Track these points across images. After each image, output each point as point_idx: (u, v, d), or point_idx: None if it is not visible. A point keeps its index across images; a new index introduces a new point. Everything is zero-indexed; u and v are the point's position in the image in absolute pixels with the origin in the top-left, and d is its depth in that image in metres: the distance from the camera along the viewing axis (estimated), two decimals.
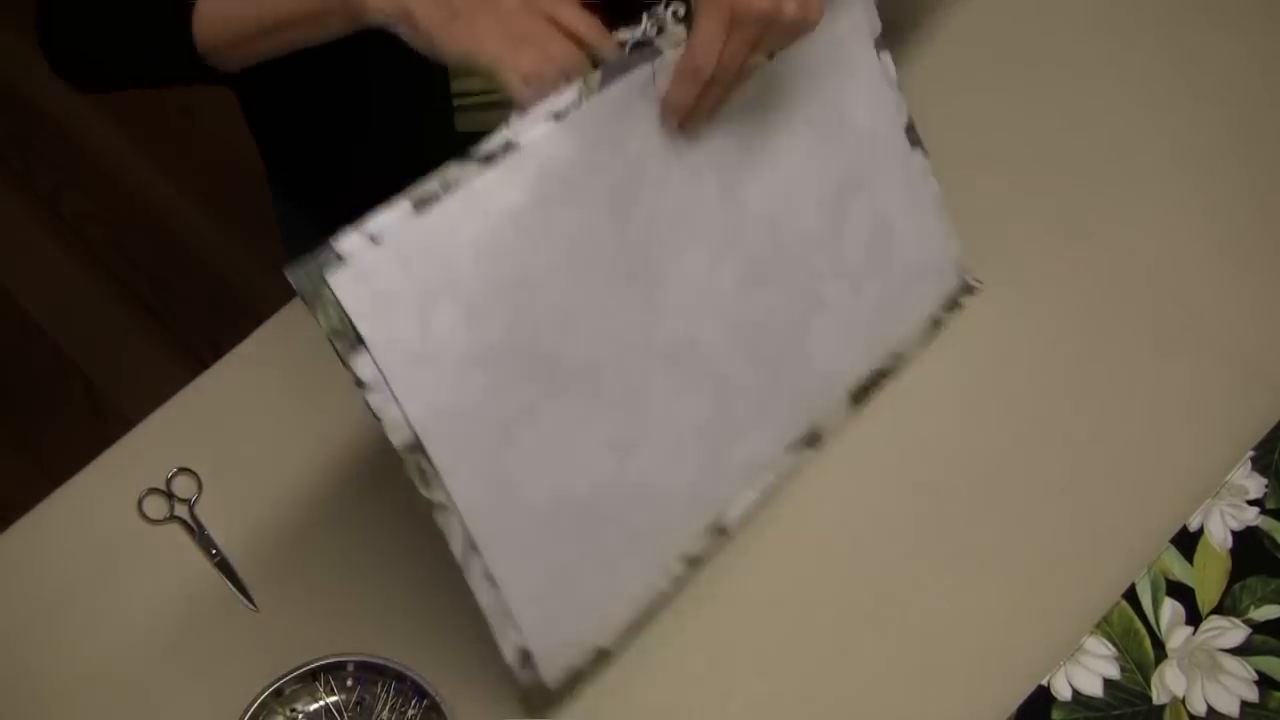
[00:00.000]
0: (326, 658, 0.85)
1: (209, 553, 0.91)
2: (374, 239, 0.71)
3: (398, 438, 0.74)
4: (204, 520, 0.93)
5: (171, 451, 0.95)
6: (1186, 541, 0.92)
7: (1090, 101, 1.13)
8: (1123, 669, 0.88)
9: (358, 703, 0.86)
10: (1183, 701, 0.87)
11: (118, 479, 0.94)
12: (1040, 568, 0.92)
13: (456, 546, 0.78)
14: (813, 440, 0.94)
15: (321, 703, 0.86)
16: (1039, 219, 1.06)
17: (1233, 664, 0.88)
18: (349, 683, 0.87)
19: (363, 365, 0.72)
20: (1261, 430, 0.96)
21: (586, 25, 0.77)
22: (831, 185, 0.91)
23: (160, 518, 0.92)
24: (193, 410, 0.97)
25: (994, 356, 1.00)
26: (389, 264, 0.72)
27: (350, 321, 0.71)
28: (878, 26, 0.93)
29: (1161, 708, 0.87)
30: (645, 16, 0.81)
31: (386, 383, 0.72)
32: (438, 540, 0.93)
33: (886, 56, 0.93)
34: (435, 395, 0.75)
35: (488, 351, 0.76)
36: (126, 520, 0.92)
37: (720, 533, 0.90)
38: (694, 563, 0.90)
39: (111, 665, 0.88)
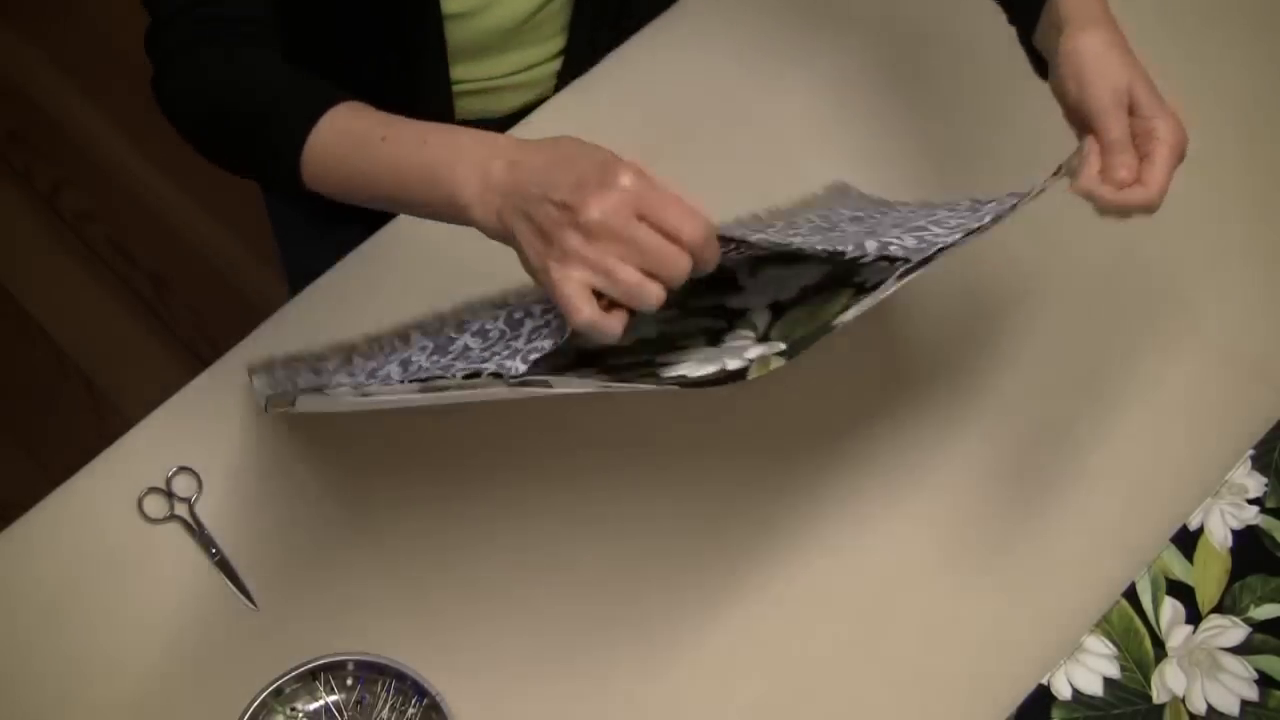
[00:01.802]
0: (326, 657, 0.85)
1: (209, 552, 0.91)
2: (365, 395, 0.74)
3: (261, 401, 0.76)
4: (204, 520, 0.93)
5: (171, 451, 0.95)
6: (1186, 540, 0.92)
7: None
8: (1123, 668, 0.88)
9: (358, 702, 0.86)
10: (1183, 700, 0.87)
11: (118, 479, 0.94)
12: (1040, 568, 0.92)
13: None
14: None
15: (321, 702, 0.86)
16: (1039, 218, 1.06)
17: (1232, 663, 0.88)
18: (349, 682, 0.87)
19: (260, 383, 0.77)
20: (1261, 429, 0.96)
21: (691, 227, 0.67)
22: None
23: (160, 517, 0.92)
24: (193, 410, 0.97)
25: (994, 356, 1.00)
26: (354, 398, 0.75)
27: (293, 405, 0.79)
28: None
29: (1161, 707, 0.87)
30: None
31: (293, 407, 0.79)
32: (438, 540, 0.93)
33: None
34: (320, 402, 0.79)
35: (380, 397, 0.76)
36: (126, 520, 0.92)
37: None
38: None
39: (112, 665, 0.88)
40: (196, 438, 0.95)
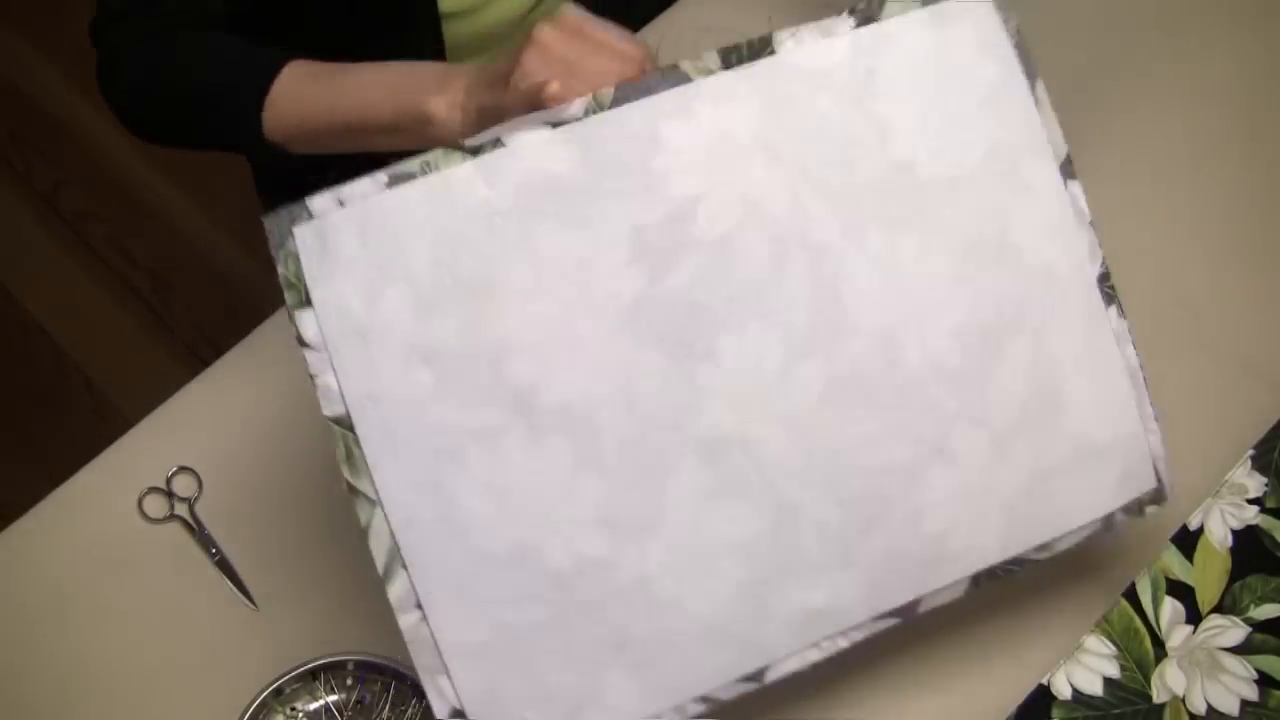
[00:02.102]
0: (326, 657, 0.85)
1: (209, 552, 0.91)
2: (341, 202, 0.71)
3: (330, 409, 0.71)
4: (204, 520, 0.93)
5: (171, 451, 0.95)
6: (1187, 540, 0.92)
7: (1090, 101, 1.13)
8: (1123, 668, 0.88)
9: (357, 702, 0.86)
10: (1183, 700, 0.87)
11: (118, 479, 0.94)
12: (1040, 567, 0.92)
13: (380, 551, 0.71)
14: (909, 612, 0.78)
15: (321, 702, 0.86)
16: None
17: (1233, 663, 0.88)
18: (349, 682, 0.87)
19: (307, 323, 0.71)
20: (1261, 429, 0.96)
21: (629, 44, 0.76)
22: (979, 316, 0.77)
23: (160, 517, 0.92)
24: (193, 410, 0.97)
25: None
26: (348, 230, 0.71)
27: (302, 276, 0.71)
28: (1063, 149, 0.81)
29: (1161, 707, 0.87)
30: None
31: (327, 348, 0.71)
32: None
33: (1076, 187, 0.81)
34: (375, 377, 0.71)
35: (437, 350, 0.71)
36: (126, 520, 0.92)
37: (757, 681, 0.76)
38: (715, 706, 0.75)
39: (112, 665, 0.88)
40: (196, 438, 0.95)
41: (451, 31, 1.01)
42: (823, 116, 0.75)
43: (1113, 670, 0.88)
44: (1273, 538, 0.92)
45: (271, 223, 0.71)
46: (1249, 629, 0.89)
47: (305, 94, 0.86)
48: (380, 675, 0.86)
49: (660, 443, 0.73)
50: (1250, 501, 0.93)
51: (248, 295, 1.87)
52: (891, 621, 0.77)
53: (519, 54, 0.75)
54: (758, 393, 0.74)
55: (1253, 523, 0.93)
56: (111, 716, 0.86)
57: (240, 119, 0.87)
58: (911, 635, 0.90)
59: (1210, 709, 0.87)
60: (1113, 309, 0.82)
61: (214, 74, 0.89)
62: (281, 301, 1.00)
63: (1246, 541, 0.92)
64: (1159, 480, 0.82)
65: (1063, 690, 0.87)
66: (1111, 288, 0.83)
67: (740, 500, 0.74)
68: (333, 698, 0.86)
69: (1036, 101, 0.81)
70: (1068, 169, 0.81)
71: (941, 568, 0.78)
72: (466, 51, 1.04)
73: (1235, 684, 0.88)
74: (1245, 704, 0.87)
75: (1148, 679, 0.88)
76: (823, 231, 0.75)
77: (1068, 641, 0.89)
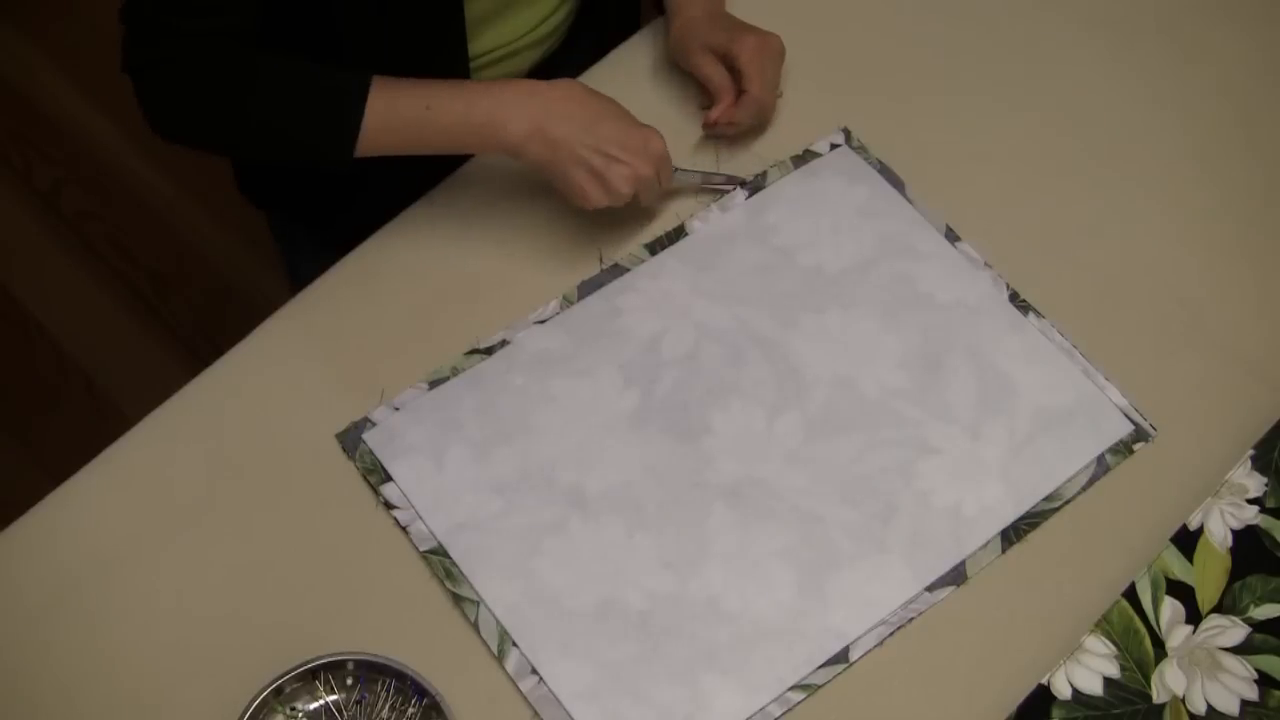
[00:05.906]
0: (326, 656, 0.85)
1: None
2: (396, 408, 0.95)
3: (423, 545, 0.91)
4: (207, 520, 0.93)
5: (171, 450, 0.95)
6: (1186, 540, 0.92)
7: (1090, 101, 1.13)
8: (1122, 668, 0.88)
9: (358, 701, 0.86)
10: (1182, 700, 0.87)
11: (118, 478, 0.94)
12: (1040, 568, 0.92)
13: (491, 637, 0.88)
14: (957, 577, 0.90)
15: (321, 701, 0.86)
16: (1039, 218, 1.06)
17: (1232, 662, 0.88)
18: (349, 681, 0.87)
19: (390, 491, 0.92)
20: (1261, 429, 0.96)
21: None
22: (914, 349, 0.99)
23: (162, 516, 0.92)
24: (193, 409, 0.97)
25: None
26: (407, 425, 0.95)
27: (379, 462, 0.93)
28: (943, 224, 1.04)
29: (1161, 706, 0.87)
30: None
31: (410, 503, 0.92)
32: None
33: (963, 245, 1.03)
34: (454, 513, 0.91)
35: (500, 480, 0.93)
36: (126, 520, 0.92)
37: (844, 661, 0.88)
38: (810, 690, 0.87)
39: (111, 665, 0.88)
40: (196, 437, 0.95)
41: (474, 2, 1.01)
42: (738, 260, 1.02)
43: (1112, 670, 0.88)
44: (1273, 537, 0.92)
45: (342, 438, 0.94)
46: (1249, 629, 0.89)
47: (390, 141, 0.93)
48: (380, 675, 0.86)
49: (690, 497, 0.93)
50: (1250, 501, 0.93)
51: (247, 295, 1.87)
52: (947, 589, 0.90)
53: (608, 166, 0.94)
54: (754, 443, 0.95)
55: (1253, 523, 0.93)
56: (112, 715, 0.86)
57: (331, 160, 0.94)
58: (913, 635, 0.90)
59: (1210, 709, 0.87)
60: (1030, 315, 1.01)
61: (297, 118, 0.92)
62: (282, 302, 1.01)
63: (1246, 541, 0.92)
64: (1134, 423, 0.96)
65: (1063, 690, 0.87)
66: (1024, 302, 1.01)
67: (769, 521, 0.92)
68: (333, 697, 0.86)
69: (910, 200, 1.05)
70: (951, 235, 1.04)
71: (968, 533, 0.92)
72: (490, 17, 1.03)
73: (1235, 684, 0.88)
74: (1245, 704, 0.87)
75: (1148, 679, 0.88)
76: (763, 330, 0.99)
77: (1068, 641, 0.89)
